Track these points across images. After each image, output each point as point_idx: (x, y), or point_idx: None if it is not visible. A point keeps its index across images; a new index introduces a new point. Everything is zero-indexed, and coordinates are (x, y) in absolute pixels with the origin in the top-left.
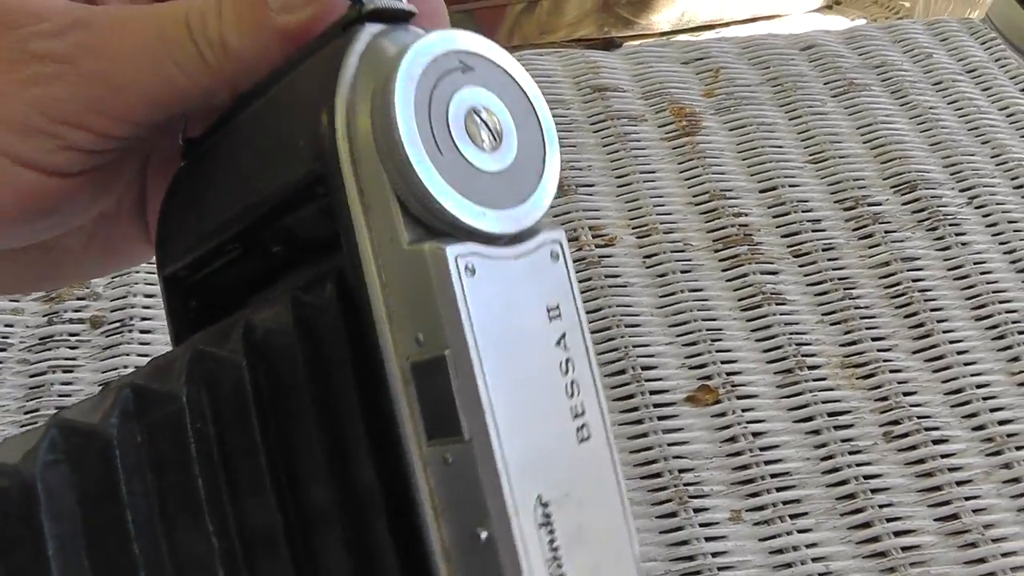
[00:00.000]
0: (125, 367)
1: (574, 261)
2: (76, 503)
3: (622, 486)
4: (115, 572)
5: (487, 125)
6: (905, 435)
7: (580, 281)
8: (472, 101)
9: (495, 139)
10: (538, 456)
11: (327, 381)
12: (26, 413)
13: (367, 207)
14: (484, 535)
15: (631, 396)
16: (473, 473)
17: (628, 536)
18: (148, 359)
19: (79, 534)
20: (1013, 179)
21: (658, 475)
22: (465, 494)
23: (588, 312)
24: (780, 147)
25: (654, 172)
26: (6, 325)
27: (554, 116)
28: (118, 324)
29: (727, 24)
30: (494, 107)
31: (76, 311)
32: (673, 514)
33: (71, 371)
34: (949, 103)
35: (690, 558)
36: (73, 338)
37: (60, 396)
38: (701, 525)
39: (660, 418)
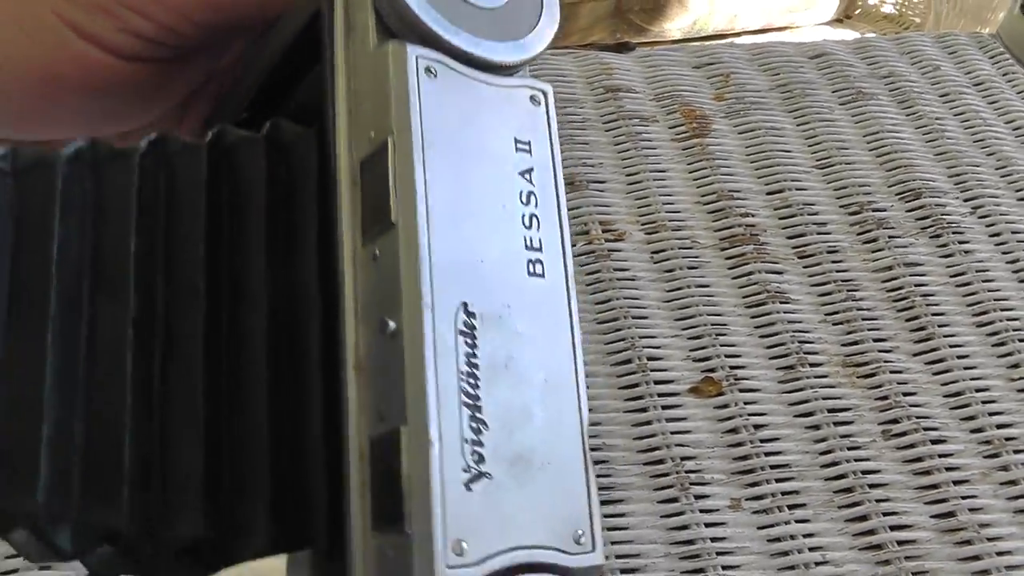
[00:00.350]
0: None
1: (584, 254)
2: (11, 220)
3: (578, 349)
4: (30, 296)
5: None
6: (903, 434)
7: (589, 274)
8: None
9: None
10: (471, 263)
11: (286, 190)
12: None
13: (349, 26)
14: (392, 325)
15: (636, 385)
16: (394, 261)
17: (576, 402)
18: None
19: (4, 252)
20: (1017, 191)
21: (660, 462)
22: (384, 286)
23: (597, 303)
24: (788, 151)
25: (664, 171)
26: None
27: (567, 115)
28: None
29: (738, 34)
30: None
31: None
32: (674, 499)
33: None
34: (956, 115)
35: (690, 542)
36: None
37: None
38: (701, 511)
39: (664, 407)
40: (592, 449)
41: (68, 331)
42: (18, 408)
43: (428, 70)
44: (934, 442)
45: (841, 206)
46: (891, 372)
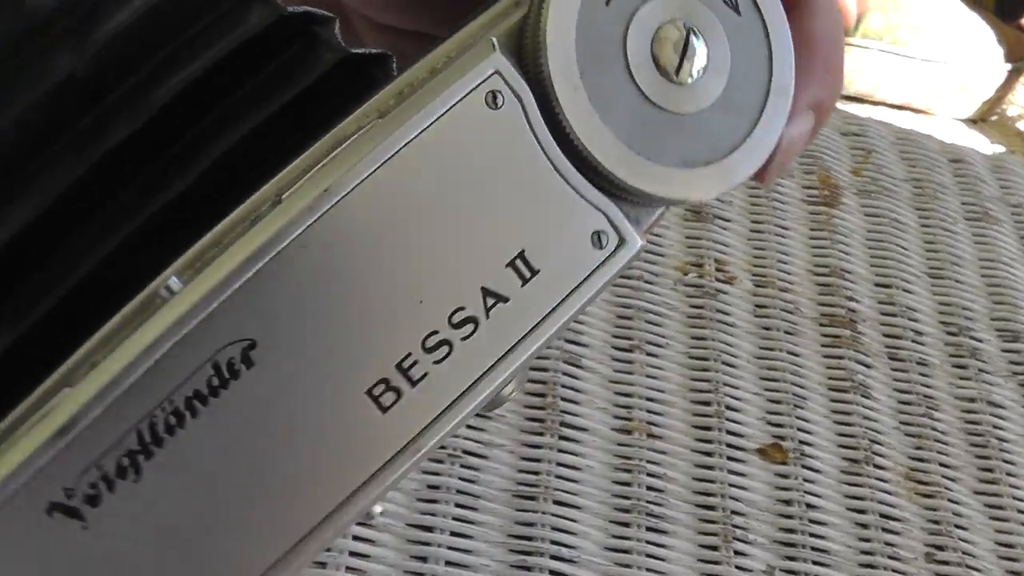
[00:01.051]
0: None
1: (693, 286)
2: None
3: None
4: None
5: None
6: (946, 563)
7: (693, 307)
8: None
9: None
10: None
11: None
12: None
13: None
14: None
15: (709, 428)
16: None
17: None
18: None
19: None
20: None
21: (712, 508)
22: None
23: (693, 338)
24: (904, 249)
25: (786, 229)
26: None
27: None
28: None
29: (878, 103)
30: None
31: None
32: (715, 547)
33: None
34: None
35: None
36: None
37: None
38: (737, 567)
39: (730, 458)
40: (651, 475)
41: None
42: None
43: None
44: None
45: (941, 322)
46: (949, 500)
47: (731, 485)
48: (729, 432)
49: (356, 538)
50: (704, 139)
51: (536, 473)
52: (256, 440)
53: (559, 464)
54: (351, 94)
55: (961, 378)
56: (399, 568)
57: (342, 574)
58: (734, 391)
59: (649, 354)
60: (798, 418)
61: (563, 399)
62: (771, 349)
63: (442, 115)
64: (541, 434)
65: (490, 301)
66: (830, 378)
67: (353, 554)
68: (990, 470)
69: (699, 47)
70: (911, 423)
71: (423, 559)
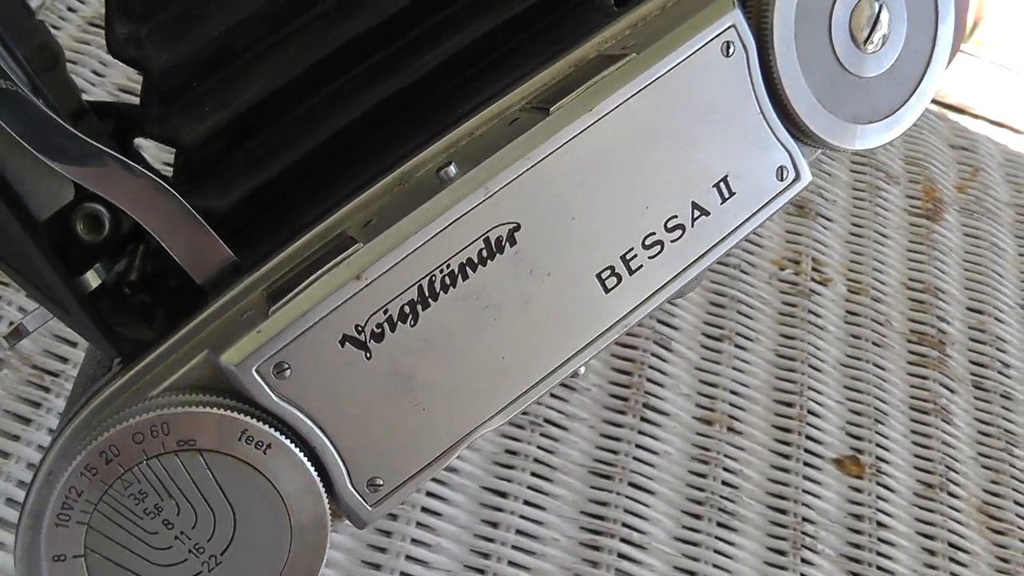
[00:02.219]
0: None
1: (788, 283)
2: None
3: None
4: None
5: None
6: None
7: (785, 303)
8: None
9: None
10: None
11: None
12: None
13: None
14: None
15: (789, 431)
16: None
17: None
18: None
19: None
20: None
21: (784, 512)
22: None
23: (781, 335)
24: (1001, 276)
25: (886, 237)
26: None
27: None
28: None
29: (975, 116)
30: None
31: None
32: (783, 552)
33: None
34: None
35: None
36: None
37: None
38: (801, 575)
39: (807, 464)
40: (727, 470)
41: None
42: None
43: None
44: None
45: None
46: (1020, 540)
47: (805, 492)
48: (809, 438)
49: (430, 494)
50: (872, 101)
51: (615, 452)
52: (505, 306)
53: (638, 446)
54: (565, 14)
55: None
56: (469, 530)
57: (413, 528)
58: (817, 396)
59: (738, 346)
60: (878, 433)
61: (649, 380)
62: (858, 359)
63: (686, 58)
64: (623, 412)
65: (696, 213)
66: (913, 397)
67: (425, 510)
68: None
69: (884, 21)
70: (989, 455)
71: (494, 524)
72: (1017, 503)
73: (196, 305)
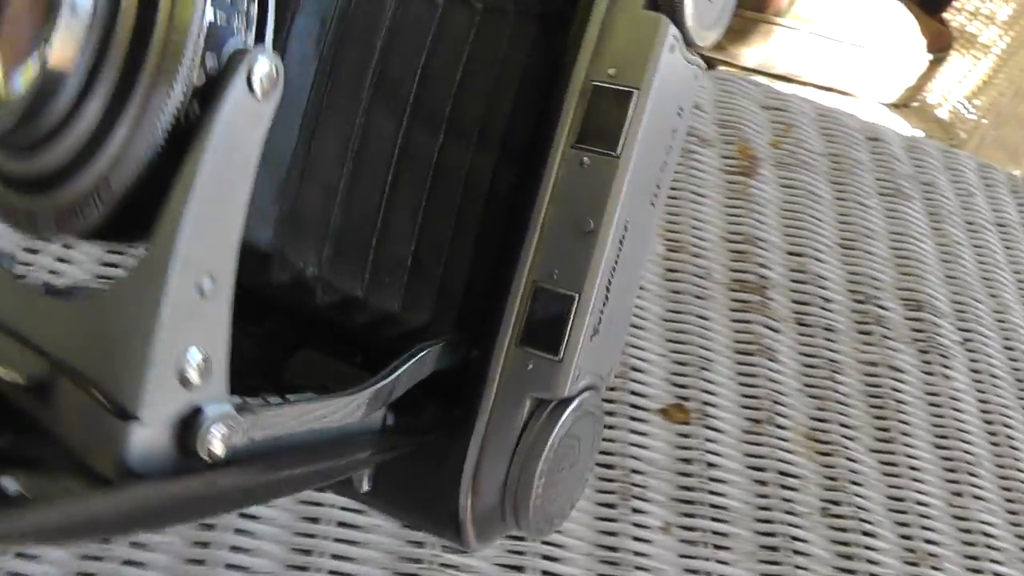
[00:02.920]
0: None
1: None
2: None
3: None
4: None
5: None
6: (839, 516)
7: None
8: None
9: None
10: (649, 192)
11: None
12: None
13: None
14: (591, 224)
15: (612, 388)
16: (604, 178)
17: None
18: None
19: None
20: (1005, 339)
21: (611, 467)
22: (587, 190)
23: None
24: (819, 220)
25: (703, 196)
26: None
27: None
28: None
29: (803, 83)
30: None
31: None
32: (612, 505)
33: None
34: (974, 245)
35: (613, 549)
36: None
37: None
38: (634, 524)
39: (631, 418)
40: None
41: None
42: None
43: (671, 48)
44: (864, 533)
45: (849, 290)
46: (846, 459)
47: (631, 444)
48: (633, 392)
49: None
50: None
51: None
52: None
53: None
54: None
55: (865, 343)
56: (289, 529)
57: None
58: (639, 352)
59: None
60: (703, 379)
61: None
62: (679, 312)
63: None
64: None
65: None
66: (737, 341)
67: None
68: (886, 430)
69: None
70: (815, 386)
71: (314, 519)
72: (842, 425)
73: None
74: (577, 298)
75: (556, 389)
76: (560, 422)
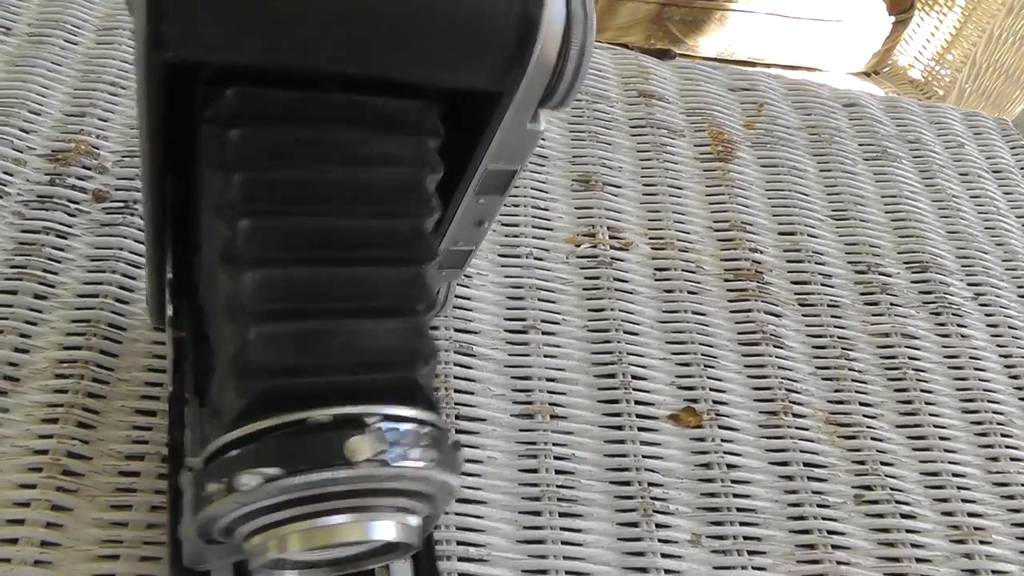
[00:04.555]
0: (120, 249)
1: (586, 257)
2: None
3: None
4: None
5: None
6: (875, 502)
7: (588, 278)
8: None
9: None
10: None
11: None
12: (12, 267)
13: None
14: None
15: (616, 401)
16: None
17: None
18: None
19: None
20: (1019, 286)
21: (627, 483)
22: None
23: (591, 310)
24: (806, 195)
25: (681, 188)
26: (5, 172)
27: (596, 111)
28: (121, 204)
29: (768, 65)
30: None
31: (80, 179)
32: (635, 524)
33: (65, 237)
34: (971, 196)
35: (643, 570)
36: (72, 205)
37: (49, 260)
38: (660, 541)
39: (641, 429)
40: (558, 458)
41: None
42: None
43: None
44: (904, 516)
45: (849, 262)
46: (872, 439)
47: (645, 456)
48: (638, 402)
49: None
50: None
51: None
52: None
53: None
54: None
55: (874, 314)
56: None
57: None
58: (639, 359)
59: (545, 332)
60: (710, 378)
61: (456, 391)
62: (675, 311)
63: None
64: None
65: None
66: (739, 332)
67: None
68: (909, 401)
69: None
70: (827, 366)
71: None
72: (862, 404)
73: None
74: None
75: None
76: None
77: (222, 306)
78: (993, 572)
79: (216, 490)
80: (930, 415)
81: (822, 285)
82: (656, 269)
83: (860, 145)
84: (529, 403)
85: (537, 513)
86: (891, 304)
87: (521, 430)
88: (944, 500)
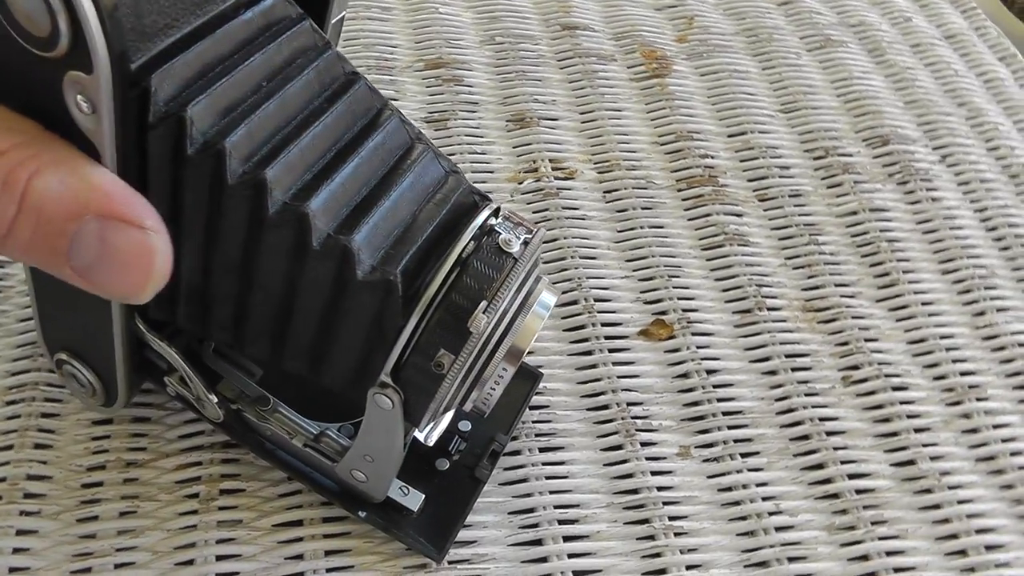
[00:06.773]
0: None
1: (532, 191)
2: None
3: None
4: None
5: None
6: (864, 380)
7: (537, 212)
8: None
9: None
10: None
11: None
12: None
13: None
14: None
15: (582, 327)
16: None
17: None
18: None
19: None
20: (987, 140)
21: (605, 407)
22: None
23: (544, 241)
24: (752, 95)
25: (620, 110)
26: None
27: (521, 52)
28: None
29: None
30: None
31: None
32: (619, 447)
33: (3, 266)
34: (926, 65)
35: (634, 491)
36: None
37: None
38: (647, 459)
39: (611, 350)
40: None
41: None
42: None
43: None
44: (895, 389)
45: (806, 150)
46: (853, 318)
47: (620, 377)
48: (604, 324)
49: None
50: None
51: None
52: None
53: None
54: None
55: (839, 196)
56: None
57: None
58: (600, 281)
59: None
60: (676, 287)
61: None
62: (631, 229)
63: None
64: None
65: None
66: (701, 239)
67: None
68: (887, 274)
69: None
70: (797, 255)
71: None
72: (838, 285)
73: None
74: None
75: None
76: None
77: (293, 246)
78: (994, 426)
79: (445, 351)
80: (910, 283)
81: (780, 177)
82: (605, 192)
83: (801, 39)
84: None
85: (516, 452)
86: (855, 183)
87: None
88: (935, 365)
